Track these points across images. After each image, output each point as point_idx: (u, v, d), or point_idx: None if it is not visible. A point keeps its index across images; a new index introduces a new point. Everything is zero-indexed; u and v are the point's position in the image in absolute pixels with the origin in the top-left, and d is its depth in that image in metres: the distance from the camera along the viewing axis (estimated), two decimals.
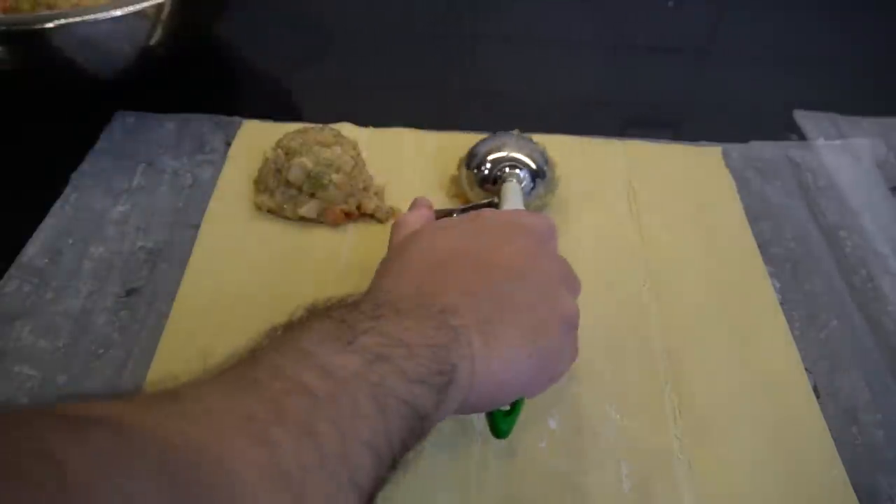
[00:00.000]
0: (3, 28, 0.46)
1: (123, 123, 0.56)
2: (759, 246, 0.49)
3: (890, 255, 0.49)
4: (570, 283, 0.36)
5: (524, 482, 0.36)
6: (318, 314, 0.27)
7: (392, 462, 0.24)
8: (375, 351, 0.25)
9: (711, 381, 0.41)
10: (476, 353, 0.29)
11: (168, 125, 0.56)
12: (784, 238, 0.50)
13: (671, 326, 0.44)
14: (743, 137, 0.58)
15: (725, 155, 0.56)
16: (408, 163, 0.54)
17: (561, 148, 0.55)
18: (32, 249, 0.46)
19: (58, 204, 0.49)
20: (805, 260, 0.49)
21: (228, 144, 0.54)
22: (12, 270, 0.44)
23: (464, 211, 0.44)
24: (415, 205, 0.41)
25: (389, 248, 0.38)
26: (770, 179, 0.55)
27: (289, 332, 0.26)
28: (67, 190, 0.50)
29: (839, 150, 0.58)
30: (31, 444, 0.16)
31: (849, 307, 0.46)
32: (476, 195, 0.49)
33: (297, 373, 0.23)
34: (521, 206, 0.44)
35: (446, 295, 0.30)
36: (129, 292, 0.44)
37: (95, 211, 0.49)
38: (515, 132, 0.51)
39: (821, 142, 0.59)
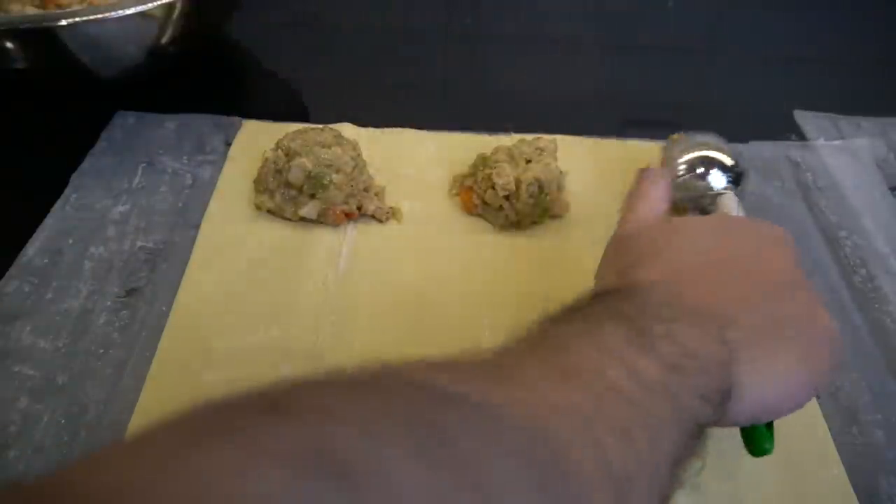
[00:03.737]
0: (14, 27, 0.46)
1: (123, 123, 0.56)
2: None
3: (890, 255, 0.49)
4: (826, 313, 0.33)
5: None
6: (602, 309, 0.26)
7: (680, 478, 0.24)
8: (671, 360, 0.24)
9: None
10: (746, 368, 0.27)
11: (168, 125, 0.56)
12: None
13: None
14: (743, 137, 0.58)
15: None
16: (408, 163, 0.54)
17: (561, 148, 0.55)
18: (32, 249, 0.46)
19: (58, 204, 0.49)
20: (805, 260, 0.49)
21: (228, 144, 0.54)
22: (12, 270, 0.44)
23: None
24: (650, 179, 0.38)
25: (627, 217, 0.36)
26: (770, 179, 0.55)
27: (581, 322, 0.25)
28: (67, 190, 0.50)
29: (839, 150, 0.58)
30: (425, 420, 0.17)
31: (849, 307, 0.46)
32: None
33: (606, 370, 0.23)
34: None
35: (722, 305, 0.29)
36: (129, 292, 0.44)
37: (95, 211, 0.49)
38: (713, 135, 0.48)
39: (821, 142, 0.59)
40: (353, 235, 0.48)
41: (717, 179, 0.46)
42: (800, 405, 0.31)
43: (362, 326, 0.43)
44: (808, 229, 0.51)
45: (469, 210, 0.50)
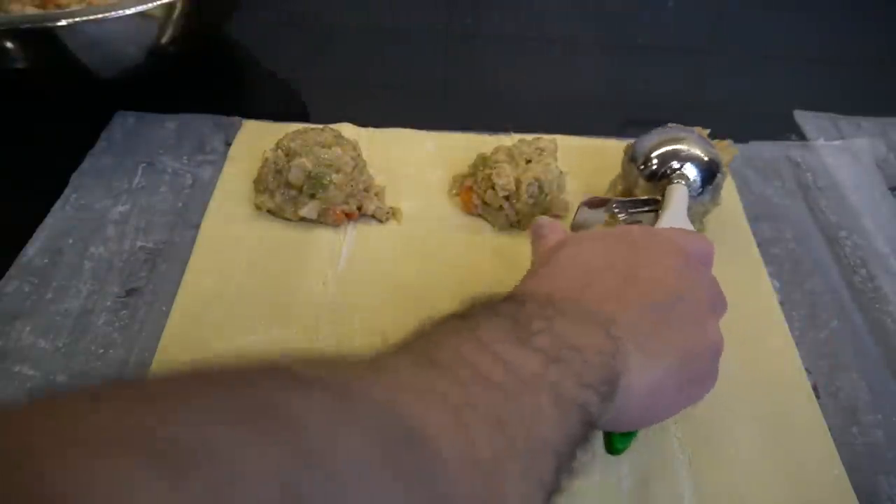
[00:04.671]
0: (14, 27, 0.46)
1: (123, 123, 0.56)
2: (759, 246, 0.49)
3: (890, 255, 0.49)
4: (719, 307, 0.34)
5: None
6: (482, 310, 0.26)
7: (567, 468, 0.24)
8: (550, 353, 0.24)
9: None
10: (632, 368, 0.28)
11: (168, 125, 0.56)
12: (784, 238, 0.50)
13: None
14: (743, 137, 0.58)
15: None
16: (408, 163, 0.54)
17: (561, 148, 0.55)
18: (32, 249, 0.46)
19: (58, 204, 0.49)
20: (805, 260, 0.49)
21: (228, 144, 0.54)
22: (12, 270, 0.44)
23: (623, 204, 0.42)
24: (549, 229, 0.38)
25: (535, 256, 0.36)
26: (770, 179, 0.55)
27: (458, 324, 0.25)
28: (67, 190, 0.50)
29: (839, 150, 0.58)
30: (267, 400, 0.16)
31: (849, 307, 0.46)
32: (642, 191, 0.45)
33: (479, 363, 0.23)
34: (684, 212, 0.42)
35: (605, 304, 0.29)
36: (129, 292, 0.44)
37: (95, 211, 0.49)
38: (693, 129, 0.47)
39: (821, 142, 0.59)
40: (353, 235, 0.48)
41: (682, 178, 0.44)
42: (675, 409, 0.32)
43: (362, 326, 0.43)
44: (808, 229, 0.51)
45: (469, 210, 0.50)
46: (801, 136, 0.59)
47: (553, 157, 0.49)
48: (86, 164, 0.52)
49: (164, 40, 0.52)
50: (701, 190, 0.44)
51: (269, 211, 0.49)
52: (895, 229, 0.51)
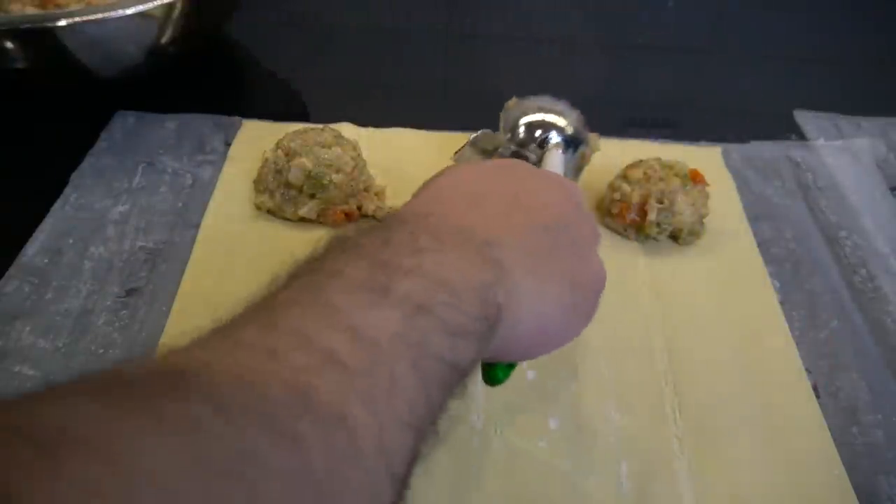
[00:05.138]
0: (14, 27, 0.46)
1: (123, 123, 0.56)
2: (759, 246, 0.49)
3: (890, 255, 0.49)
4: (597, 243, 0.35)
5: (524, 482, 0.36)
6: (347, 248, 0.24)
7: (430, 427, 0.22)
8: (416, 301, 0.22)
9: (711, 381, 0.41)
10: (520, 293, 0.26)
11: (168, 125, 0.56)
12: (784, 238, 0.50)
13: (671, 326, 0.44)
14: (743, 137, 0.58)
15: (725, 155, 0.56)
16: (408, 163, 0.54)
17: None
18: (32, 249, 0.46)
19: (58, 204, 0.49)
20: (805, 260, 0.49)
21: (228, 144, 0.54)
22: (12, 270, 0.44)
23: (485, 153, 0.42)
24: None
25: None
26: (770, 179, 0.55)
27: (313, 273, 0.23)
28: (67, 190, 0.50)
29: (839, 150, 0.58)
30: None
31: (849, 307, 0.46)
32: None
33: (323, 338, 0.20)
34: (560, 173, 0.43)
35: (488, 227, 0.27)
36: (129, 292, 0.44)
37: (95, 211, 0.49)
38: (549, 97, 0.48)
39: (821, 142, 0.59)
40: None
41: (553, 139, 0.46)
42: (565, 337, 0.31)
43: None
44: (808, 229, 0.51)
45: None
46: (801, 136, 0.59)
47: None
48: (86, 164, 0.52)
49: (163, 40, 0.52)
50: (573, 154, 0.47)
51: (268, 211, 0.49)
52: (895, 229, 0.51)
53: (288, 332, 0.20)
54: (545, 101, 0.48)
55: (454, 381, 0.22)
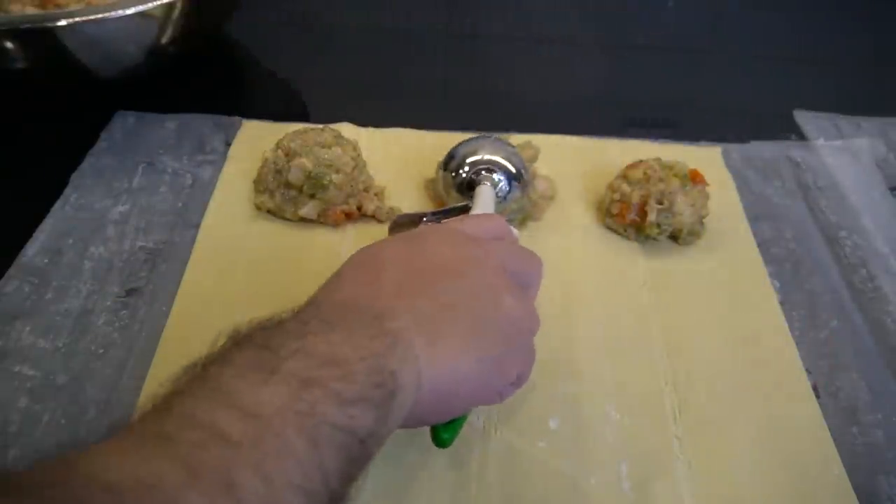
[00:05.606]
0: (14, 27, 0.46)
1: (123, 123, 0.56)
2: (759, 246, 0.49)
3: (890, 255, 0.49)
4: (525, 279, 0.34)
5: (524, 482, 0.36)
6: (240, 341, 0.25)
7: (332, 495, 0.22)
8: (303, 376, 0.23)
9: (711, 381, 0.41)
10: (420, 354, 0.27)
11: (168, 125, 0.56)
12: (784, 238, 0.50)
13: (671, 326, 0.44)
14: (743, 137, 0.58)
15: (725, 155, 0.56)
16: (408, 163, 0.54)
17: (561, 148, 0.55)
18: (32, 249, 0.46)
19: (58, 204, 0.49)
20: (805, 260, 0.49)
21: (228, 144, 0.54)
22: (12, 270, 0.44)
23: (435, 214, 0.42)
24: None
25: None
26: (770, 179, 0.55)
27: (208, 367, 0.24)
28: (67, 190, 0.50)
29: (839, 150, 0.58)
30: None
31: (849, 307, 0.46)
32: (454, 199, 0.47)
33: (212, 418, 0.21)
34: (491, 210, 0.43)
35: (381, 299, 0.28)
36: (129, 292, 0.44)
37: (95, 211, 0.49)
38: (494, 136, 0.49)
39: (821, 142, 0.59)
40: (353, 235, 0.48)
41: (488, 180, 0.46)
42: (486, 390, 0.31)
43: None
44: (808, 229, 0.51)
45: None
46: (801, 136, 0.59)
47: (530, 163, 0.49)
48: (86, 164, 0.52)
49: (163, 40, 0.52)
50: (509, 189, 0.47)
51: (268, 211, 0.49)
52: (895, 229, 0.51)
53: (179, 416, 0.21)
54: (483, 140, 0.49)
55: (355, 448, 0.23)
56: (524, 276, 0.34)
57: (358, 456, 0.23)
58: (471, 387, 0.30)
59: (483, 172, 0.47)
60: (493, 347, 0.30)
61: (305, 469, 0.21)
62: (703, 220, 0.48)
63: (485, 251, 0.33)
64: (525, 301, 0.33)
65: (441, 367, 0.28)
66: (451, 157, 0.49)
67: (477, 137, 0.49)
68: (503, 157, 0.47)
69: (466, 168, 0.47)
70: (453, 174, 0.48)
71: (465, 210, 0.43)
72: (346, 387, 0.23)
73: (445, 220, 0.40)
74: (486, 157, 0.47)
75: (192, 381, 0.23)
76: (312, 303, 0.29)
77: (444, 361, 0.28)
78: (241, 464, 0.20)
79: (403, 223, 0.41)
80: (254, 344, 0.24)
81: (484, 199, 0.44)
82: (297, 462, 0.21)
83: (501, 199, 0.46)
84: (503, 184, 0.47)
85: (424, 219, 0.41)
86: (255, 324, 0.26)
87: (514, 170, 0.47)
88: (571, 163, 0.54)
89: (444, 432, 0.33)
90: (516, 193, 0.47)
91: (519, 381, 0.33)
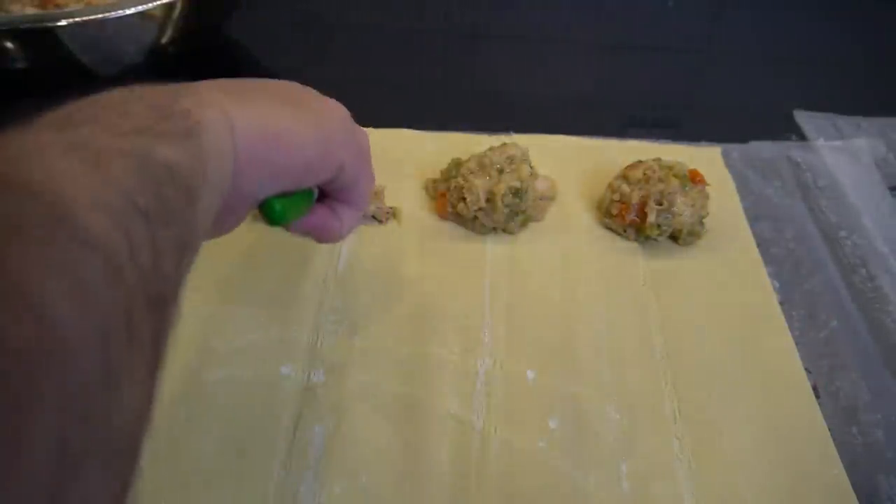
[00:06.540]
0: (14, 27, 0.46)
1: None
2: (759, 246, 0.49)
3: (890, 255, 0.49)
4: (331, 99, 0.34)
5: (524, 482, 0.36)
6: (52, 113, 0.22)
7: (147, 215, 0.20)
8: (63, 118, 0.21)
9: (711, 381, 0.41)
10: (226, 104, 0.26)
11: None
12: (784, 238, 0.50)
13: (671, 326, 0.44)
14: (743, 137, 0.58)
15: (725, 155, 0.56)
16: (408, 163, 0.54)
17: (561, 148, 0.55)
18: None
19: None
20: (805, 260, 0.49)
21: None
22: None
23: None
24: None
25: None
26: (770, 179, 0.55)
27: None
28: None
29: (839, 150, 0.58)
30: None
31: (849, 307, 0.46)
32: None
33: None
34: None
35: (184, 86, 0.26)
36: None
37: None
38: None
39: (821, 142, 0.59)
40: (353, 235, 0.48)
41: None
42: (316, 157, 0.30)
43: (362, 326, 0.43)
44: (808, 229, 0.51)
45: (444, 216, 0.49)
46: (801, 136, 0.59)
47: (525, 163, 0.49)
48: None
49: (163, 40, 0.52)
50: None
51: None
52: (895, 229, 0.51)
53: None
54: None
55: (161, 173, 0.21)
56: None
57: (166, 180, 0.21)
58: (293, 149, 0.29)
59: None
60: (309, 115, 0.30)
61: (90, 188, 0.18)
62: (703, 220, 0.48)
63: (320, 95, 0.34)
64: (339, 105, 0.34)
65: (256, 120, 0.27)
66: None
67: None
68: None
69: None
70: None
71: None
72: (124, 121, 0.21)
73: None
74: None
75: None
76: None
77: (259, 115, 0.27)
78: (3, 196, 0.17)
79: None
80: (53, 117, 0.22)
81: None
82: (75, 184, 0.18)
83: None
84: None
85: None
86: None
87: None
88: (571, 163, 0.54)
89: (277, 202, 0.31)
90: None
91: (353, 196, 0.34)
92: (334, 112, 0.33)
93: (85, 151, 0.20)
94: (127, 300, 0.18)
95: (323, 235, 0.36)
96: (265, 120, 0.28)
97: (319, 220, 0.36)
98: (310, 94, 0.33)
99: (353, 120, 0.34)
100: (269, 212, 0.31)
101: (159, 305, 0.20)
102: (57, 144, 0.20)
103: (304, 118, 0.30)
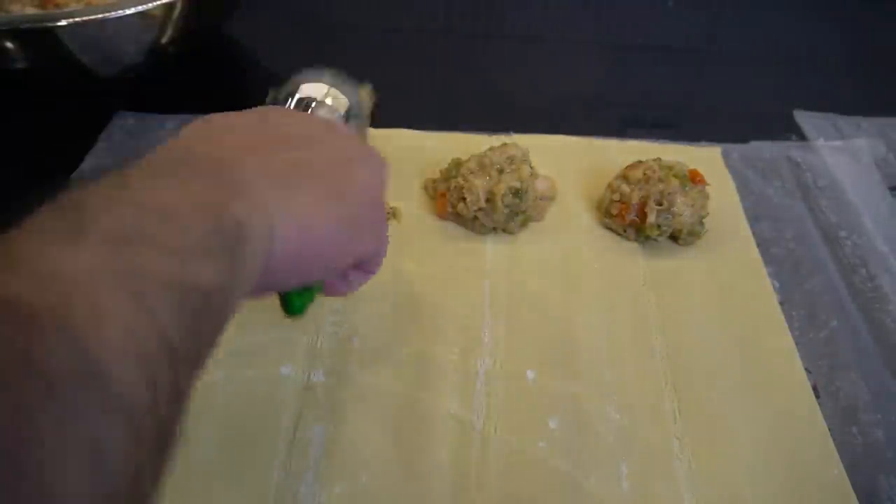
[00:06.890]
0: (14, 27, 0.46)
1: (123, 123, 0.56)
2: (759, 246, 0.49)
3: (890, 255, 0.49)
4: (370, 161, 0.32)
5: (524, 482, 0.36)
6: (42, 212, 0.21)
7: (173, 354, 0.19)
8: (119, 232, 0.19)
9: (711, 381, 0.41)
10: (272, 204, 0.24)
11: (168, 125, 0.56)
12: (784, 238, 0.50)
13: (671, 326, 0.44)
14: (743, 137, 0.58)
15: (725, 155, 0.56)
16: (408, 163, 0.54)
17: (561, 148, 0.55)
18: None
19: None
20: (805, 260, 0.49)
21: None
22: None
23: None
24: None
25: None
26: (770, 179, 0.55)
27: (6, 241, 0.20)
28: None
29: (839, 151, 0.58)
30: None
31: (848, 307, 0.46)
32: None
33: (1, 292, 0.17)
34: None
35: (224, 151, 0.25)
36: None
37: None
38: (328, 71, 0.49)
39: (821, 142, 0.59)
40: None
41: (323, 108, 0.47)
42: (342, 253, 0.30)
43: (362, 326, 0.43)
44: (808, 229, 0.51)
45: (444, 216, 0.49)
46: (801, 136, 0.59)
47: (525, 163, 0.49)
48: (86, 164, 0.52)
49: (163, 40, 0.52)
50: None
51: None
52: (895, 229, 0.51)
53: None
54: (320, 76, 0.49)
55: (197, 302, 0.20)
56: (370, 157, 0.32)
57: (202, 310, 0.21)
58: (325, 244, 0.28)
59: (313, 108, 0.46)
60: (349, 211, 0.29)
61: (129, 331, 0.18)
62: (703, 221, 0.48)
63: (330, 129, 0.32)
64: (377, 176, 0.32)
65: (298, 221, 0.26)
66: (284, 90, 0.48)
67: (310, 70, 0.48)
68: (340, 92, 0.47)
69: (293, 105, 0.47)
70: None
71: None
72: (176, 237, 0.20)
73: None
74: (310, 94, 0.47)
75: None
76: (136, 164, 0.25)
77: (301, 216, 0.26)
78: (42, 337, 0.16)
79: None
80: (59, 206, 0.21)
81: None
82: (116, 326, 0.18)
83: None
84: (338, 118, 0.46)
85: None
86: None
87: (347, 107, 0.47)
88: (571, 163, 0.54)
89: (297, 298, 0.31)
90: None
91: (370, 265, 0.33)
92: (370, 191, 0.31)
93: (132, 282, 0.19)
94: (138, 456, 0.18)
95: (329, 294, 0.36)
96: (306, 220, 0.26)
97: (328, 283, 0.35)
98: (353, 164, 0.30)
99: (384, 184, 0.32)
100: (289, 306, 0.32)
101: (167, 443, 0.20)
102: (108, 272, 0.19)
103: (342, 213, 0.28)
